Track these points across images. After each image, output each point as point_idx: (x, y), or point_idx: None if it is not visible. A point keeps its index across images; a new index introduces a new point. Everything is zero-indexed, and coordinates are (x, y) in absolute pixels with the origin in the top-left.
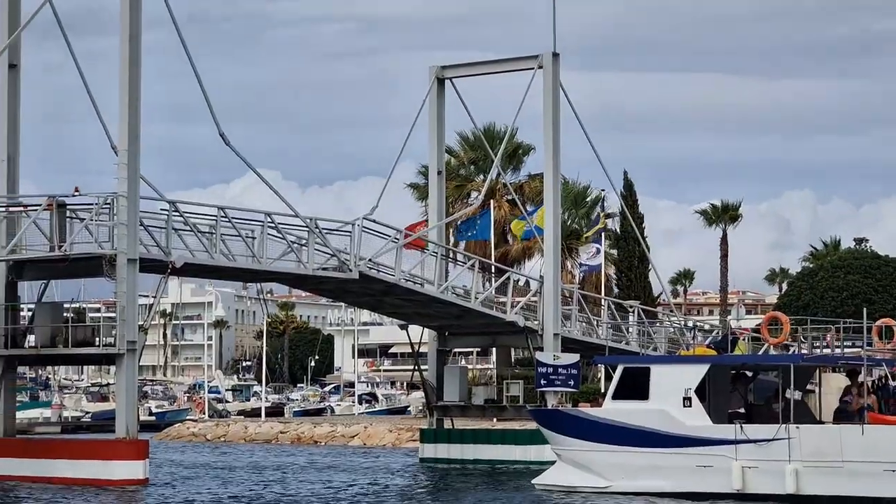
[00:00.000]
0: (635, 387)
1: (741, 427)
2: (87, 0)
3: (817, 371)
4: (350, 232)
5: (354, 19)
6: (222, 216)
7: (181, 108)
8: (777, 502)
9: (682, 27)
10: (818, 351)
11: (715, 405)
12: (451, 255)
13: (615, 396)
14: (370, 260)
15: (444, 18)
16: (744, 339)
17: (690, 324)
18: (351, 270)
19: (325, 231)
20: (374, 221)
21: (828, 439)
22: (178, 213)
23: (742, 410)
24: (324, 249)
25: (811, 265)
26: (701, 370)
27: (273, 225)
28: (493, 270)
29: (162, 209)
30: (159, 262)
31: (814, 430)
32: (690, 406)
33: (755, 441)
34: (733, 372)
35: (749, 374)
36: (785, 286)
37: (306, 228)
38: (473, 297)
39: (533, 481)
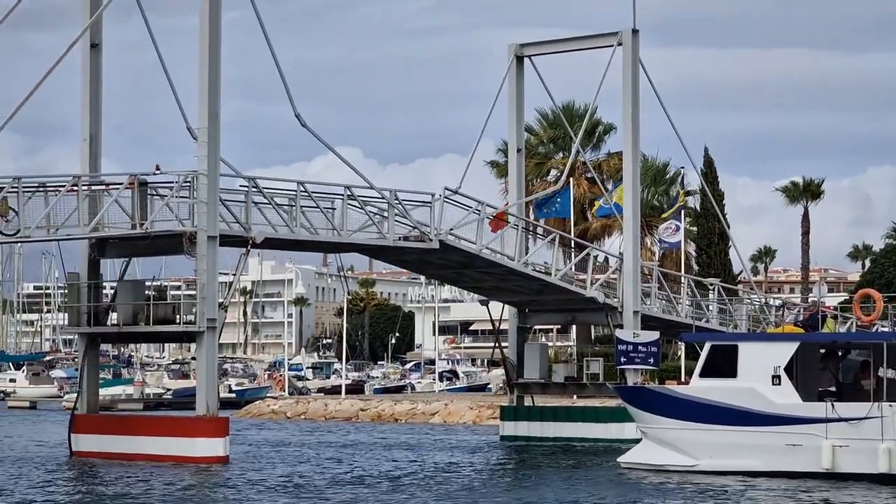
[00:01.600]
0: (723, 364)
1: (832, 405)
2: None
3: None
4: (430, 203)
5: None
6: (302, 190)
7: (262, 87)
8: (868, 482)
9: (762, 2)
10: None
11: (804, 383)
12: (531, 229)
13: (703, 374)
14: (451, 230)
15: None
16: (832, 317)
17: (778, 301)
18: (431, 240)
19: (406, 203)
20: (455, 192)
21: None
22: (257, 189)
23: (832, 389)
24: (404, 221)
25: (894, 242)
26: (790, 348)
27: (353, 197)
28: (572, 246)
29: (241, 185)
30: (240, 238)
31: None
32: (780, 384)
33: (846, 420)
34: (823, 350)
35: (839, 352)
36: (868, 263)
37: (386, 202)
38: (554, 271)
39: (618, 459)
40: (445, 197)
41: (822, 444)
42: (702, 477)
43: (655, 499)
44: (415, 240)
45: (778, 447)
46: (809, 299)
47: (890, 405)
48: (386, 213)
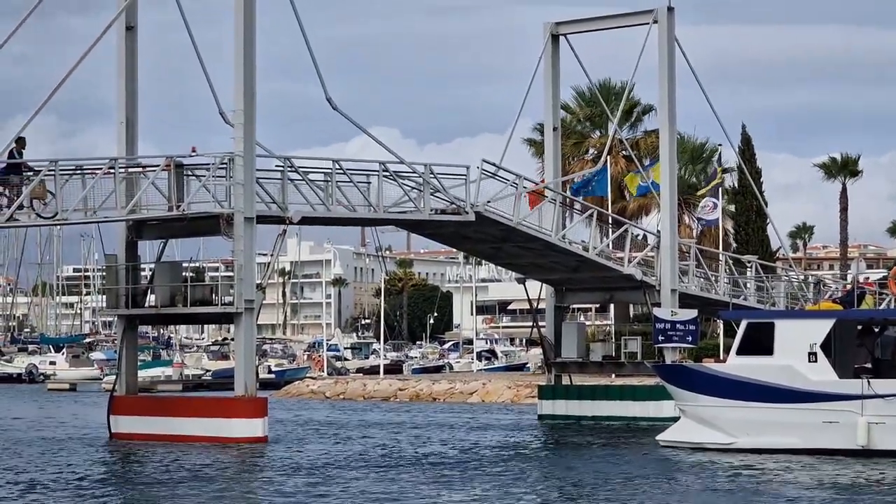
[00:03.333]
0: (760, 342)
1: (868, 382)
2: None
3: None
4: (465, 176)
5: None
6: (337, 168)
7: (299, 67)
8: None
9: None
10: None
11: (841, 360)
12: (568, 203)
13: (739, 352)
14: (488, 202)
15: None
16: (871, 293)
17: (812, 279)
18: (467, 213)
19: (442, 176)
20: (493, 164)
21: None
22: (292, 169)
23: (869, 366)
24: (441, 196)
25: None
26: (826, 325)
27: (388, 172)
28: (610, 222)
29: (277, 165)
30: (277, 218)
31: None
32: (816, 361)
33: (883, 396)
34: (860, 327)
35: (876, 329)
36: None
37: (422, 178)
38: (591, 246)
39: (657, 437)
40: (483, 169)
41: (858, 420)
42: (740, 455)
43: (692, 476)
44: (451, 213)
45: (815, 424)
46: (847, 276)
47: None
48: (422, 189)
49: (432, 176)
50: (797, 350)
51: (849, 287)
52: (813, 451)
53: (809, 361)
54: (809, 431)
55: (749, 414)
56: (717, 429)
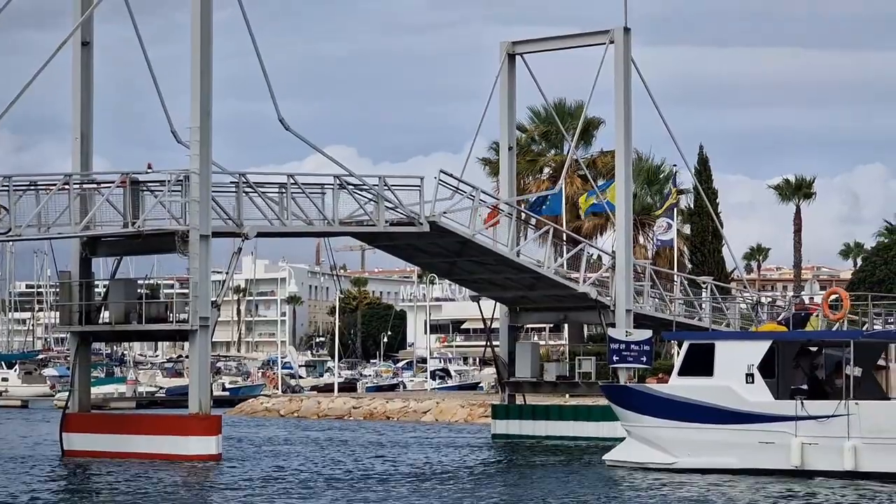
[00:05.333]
0: (700, 363)
1: (801, 403)
2: None
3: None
4: (419, 187)
5: None
6: (292, 182)
7: (256, 87)
8: (834, 479)
9: (754, 0)
10: (881, 327)
11: (777, 382)
12: (523, 218)
13: (681, 372)
14: (444, 213)
15: None
16: (816, 315)
17: (765, 300)
18: (422, 223)
19: (396, 188)
20: (450, 175)
21: (885, 416)
22: (247, 184)
23: (805, 387)
24: (398, 210)
25: (885, 240)
26: (763, 346)
27: (343, 186)
28: (564, 239)
29: (232, 181)
30: (233, 233)
31: (872, 407)
32: (753, 382)
33: (815, 417)
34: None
35: (813, 350)
36: (859, 261)
37: (375, 189)
38: (546, 262)
39: (603, 457)
40: (441, 180)
41: (792, 441)
42: (680, 475)
43: (632, 494)
44: (404, 223)
45: (752, 445)
46: (790, 297)
47: (856, 403)
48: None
49: (386, 188)
50: (736, 371)
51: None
52: (751, 472)
53: (747, 382)
54: (747, 452)
55: (689, 434)
56: (660, 448)
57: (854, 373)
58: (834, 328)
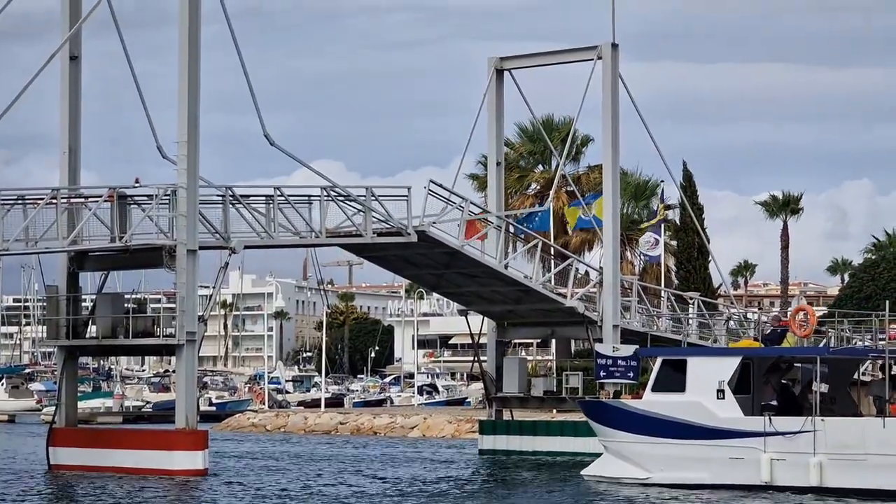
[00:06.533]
0: (673, 379)
1: (769, 419)
2: None
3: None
4: (406, 197)
5: (417, 9)
6: (279, 195)
7: (243, 101)
8: (801, 494)
9: (741, 16)
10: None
11: (747, 398)
12: (511, 230)
13: (654, 388)
14: (433, 223)
15: (505, 8)
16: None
17: (751, 315)
18: (409, 234)
19: (384, 198)
20: (440, 185)
21: (850, 432)
22: (234, 198)
23: (774, 403)
24: (385, 220)
25: (873, 256)
26: (734, 363)
27: (330, 198)
28: (552, 253)
29: (219, 194)
30: (220, 246)
31: (837, 423)
32: (724, 398)
33: (783, 433)
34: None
35: (783, 366)
36: (846, 277)
37: (363, 200)
38: (534, 276)
39: (582, 472)
40: (431, 190)
41: (761, 457)
42: (654, 489)
43: None
44: (393, 233)
45: (722, 460)
46: (770, 314)
47: (822, 419)
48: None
49: (374, 199)
50: (707, 387)
51: (773, 324)
52: (722, 487)
53: (718, 398)
54: (718, 467)
55: (662, 449)
56: (634, 463)
57: (820, 389)
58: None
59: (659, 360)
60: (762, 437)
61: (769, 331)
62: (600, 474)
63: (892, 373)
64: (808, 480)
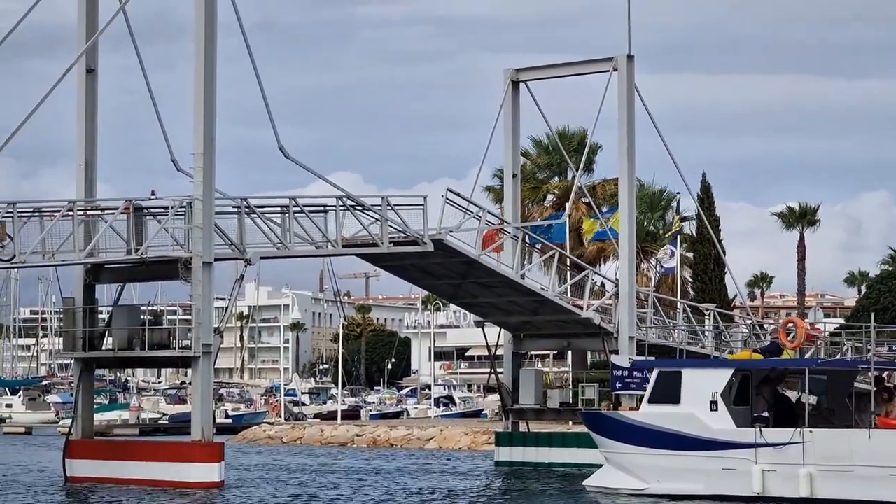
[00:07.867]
0: (669, 391)
1: (760, 431)
2: (165, 8)
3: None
4: (423, 206)
5: (432, 22)
6: (294, 205)
7: (259, 115)
8: None
9: (757, 28)
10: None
11: (739, 409)
12: (527, 241)
13: (651, 400)
14: (450, 231)
15: (520, 20)
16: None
17: (773, 327)
18: (426, 243)
19: (400, 207)
20: (457, 194)
21: (838, 443)
22: (249, 209)
23: (766, 414)
24: (401, 229)
25: (890, 268)
26: (727, 374)
27: (345, 207)
28: (568, 264)
29: (234, 206)
30: (236, 260)
31: (826, 435)
32: (717, 410)
33: (773, 445)
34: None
35: (773, 377)
36: (864, 289)
37: (379, 209)
38: (550, 287)
39: (583, 483)
40: (448, 199)
41: (753, 468)
42: (650, 500)
43: None
44: (409, 243)
45: (716, 471)
46: (772, 326)
47: (810, 431)
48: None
49: (390, 208)
50: (701, 399)
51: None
52: (717, 498)
53: (711, 410)
54: (712, 478)
55: (658, 461)
56: (632, 474)
57: (810, 400)
58: (807, 356)
59: (655, 372)
60: (753, 448)
61: (769, 343)
62: (601, 485)
63: (887, 384)
64: (798, 491)
